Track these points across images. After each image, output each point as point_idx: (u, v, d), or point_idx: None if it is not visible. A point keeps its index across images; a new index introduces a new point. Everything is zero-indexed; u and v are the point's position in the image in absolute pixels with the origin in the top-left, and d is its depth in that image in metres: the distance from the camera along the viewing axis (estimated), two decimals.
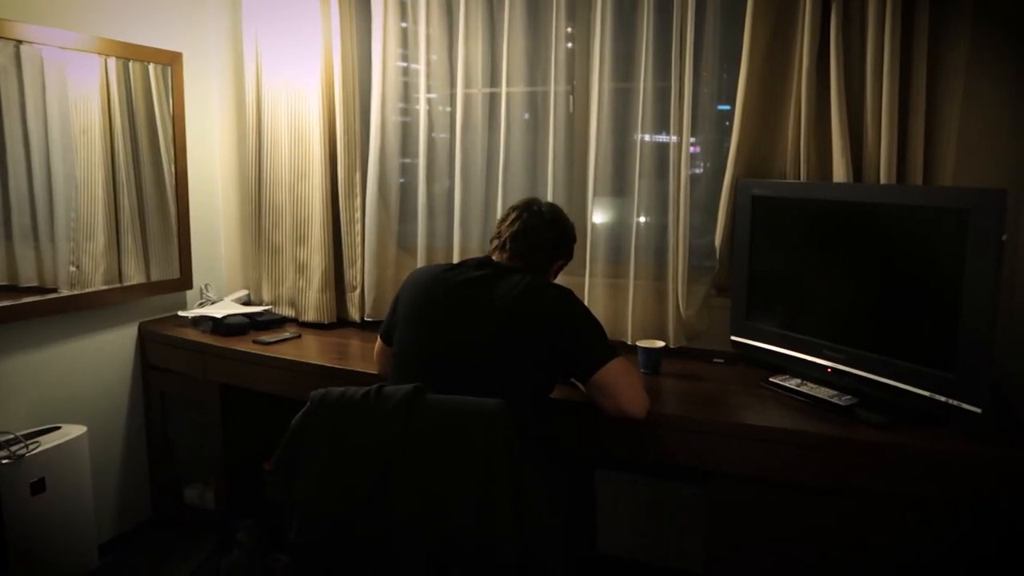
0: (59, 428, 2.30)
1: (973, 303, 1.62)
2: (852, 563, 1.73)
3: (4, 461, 2.04)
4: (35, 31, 2.26)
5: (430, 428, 1.52)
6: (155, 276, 2.76)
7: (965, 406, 1.63)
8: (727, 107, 2.33)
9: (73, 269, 2.55)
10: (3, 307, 2.25)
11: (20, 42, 2.24)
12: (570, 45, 2.45)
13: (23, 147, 2.33)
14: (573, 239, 2.00)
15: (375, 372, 2.17)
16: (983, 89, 1.99)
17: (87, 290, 2.53)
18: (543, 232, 1.90)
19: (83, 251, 2.56)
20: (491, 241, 1.96)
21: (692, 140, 2.29)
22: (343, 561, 1.57)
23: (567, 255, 2.00)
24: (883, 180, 1.96)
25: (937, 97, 1.96)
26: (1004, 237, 1.58)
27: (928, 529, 1.66)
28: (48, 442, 2.19)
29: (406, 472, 1.52)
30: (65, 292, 2.47)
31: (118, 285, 2.62)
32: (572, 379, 1.91)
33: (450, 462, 1.50)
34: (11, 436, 2.13)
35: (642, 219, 2.37)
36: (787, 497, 1.78)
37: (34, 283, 2.41)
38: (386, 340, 2.01)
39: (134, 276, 2.69)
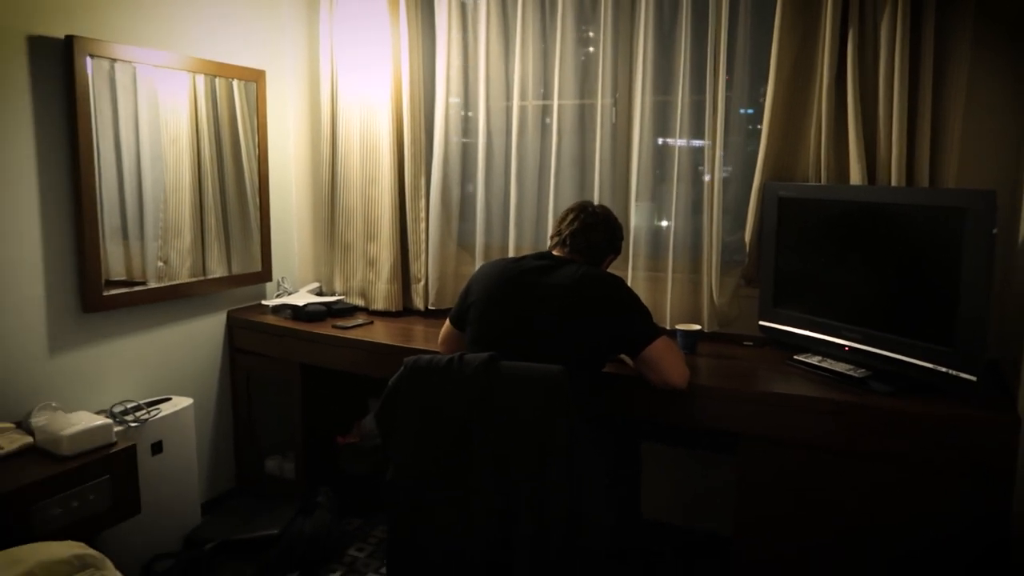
0: (170, 399, 2.64)
1: (969, 286, 1.89)
2: (866, 516, 2.00)
3: (133, 424, 2.38)
4: (132, 51, 2.53)
5: (503, 389, 1.82)
6: (235, 270, 3.07)
7: (963, 375, 1.90)
8: (751, 110, 2.61)
9: (161, 264, 2.85)
10: (119, 294, 2.59)
11: (115, 60, 2.49)
12: (603, 58, 2.74)
13: (115, 155, 2.56)
14: (622, 238, 2.30)
15: (439, 351, 2.47)
16: (984, 98, 2.25)
17: (176, 282, 2.80)
18: (599, 231, 2.20)
19: (171, 248, 2.85)
20: (551, 238, 2.26)
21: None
22: (428, 500, 1.89)
23: (617, 251, 2.30)
24: (894, 182, 2.23)
25: (942, 107, 2.23)
26: (995, 231, 1.85)
27: (936, 487, 1.93)
28: (166, 409, 2.53)
29: (483, 425, 1.83)
30: (153, 284, 2.73)
31: (202, 278, 2.90)
32: (621, 356, 2.21)
33: (519, 416, 1.80)
34: (135, 403, 2.48)
35: (679, 219, 2.65)
36: (809, 458, 2.05)
37: (123, 277, 2.65)
38: (455, 324, 2.31)
39: (216, 270, 2.99)
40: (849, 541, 2.02)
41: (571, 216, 2.24)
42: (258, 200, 3.13)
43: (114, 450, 2.15)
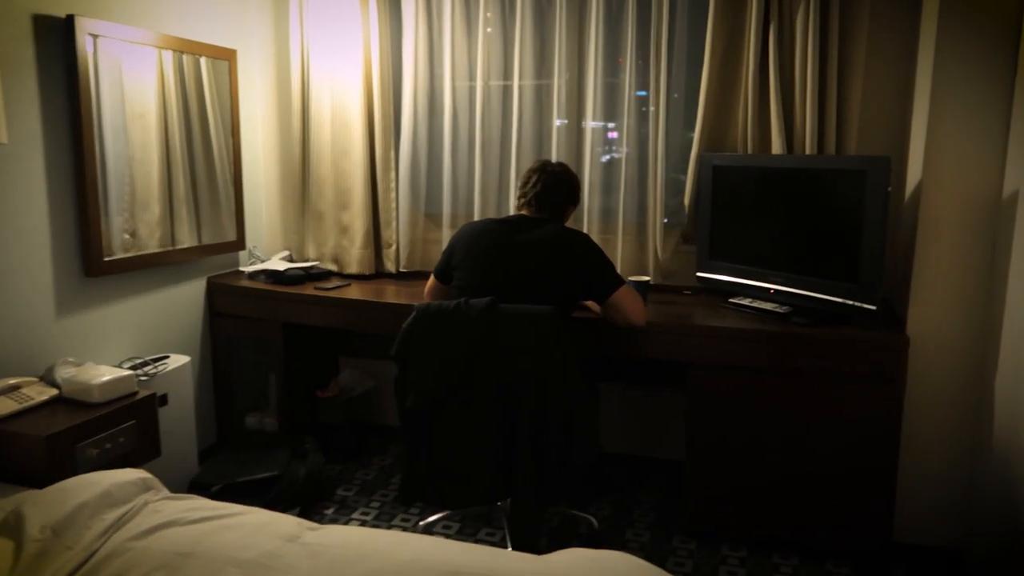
0: (168, 357, 2.83)
1: (869, 234, 2.35)
2: (794, 420, 2.46)
3: (143, 378, 2.57)
4: (120, 29, 2.66)
5: (504, 326, 2.16)
6: (206, 240, 3.20)
7: (865, 306, 2.37)
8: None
9: (127, 236, 2.98)
10: (117, 259, 2.74)
11: (102, 37, 2.58)
12: (559, 42, 3.08)
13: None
14: (579, 188, 2.61)
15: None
16: (879, 79, 2.73)
17: (164, 249, 2.95)
18: (559, 190, 2.52)
19: (139, 220, 2.97)
20: (518, 199, 2.57)
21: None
22: (440, 421, 2.21)
23: (576, 201, 2.62)
24: (808, 151, 2.69)
25: (845, 88, 2.71)
26: (889, 189, 2.32)
27: (846, 393, 2.40)
28: (171, 364, 2.73)
29: (487, 359, 2.16)
30: (119, 255, 2.79)
31: (181, 246, 3.04)
32: (586, 303, 2.58)
33: (517, 348, 2.15)
34: (141, 359, 2.66)
35: (627, 188, 3.03)
36: (746, 378, 2.49)
37: None
38: (440, 278, 2.62)
39: (185, 240, 3.11)
40: (781, 442, 2.48)
41: (534, 178, 2.53)
42: (230, 173, 3.30)
43: (138, 398, 2.35)
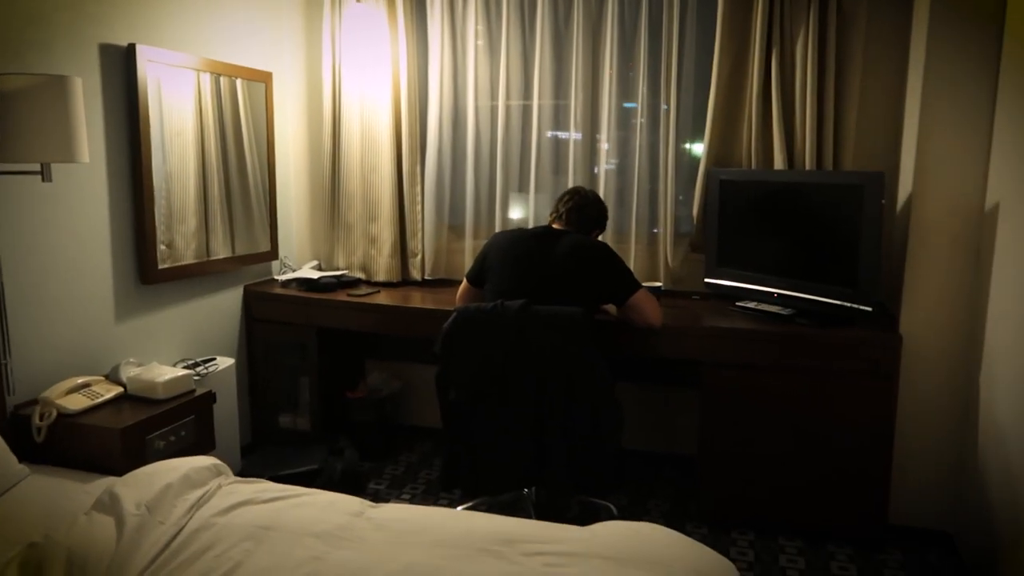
0: (215, 359, 3.03)
1: (866, 242, 2.58)
2: (799, 416, 2.68)
3: (196, 377, 2.77)
4: (169, 55, 2.85)
5: (536, 326, 2.38)
6: (239, 251, 3.40)
7: (862, 308, 2.60)
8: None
9: (163, 247, 3.16)
10: (168, 268, 2.94)
11: (153, 63, 2.76)
12: (576, 67, 3.32)
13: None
14: (607, 216, 2.88)
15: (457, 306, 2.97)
16: (873, 100, 2.97)
17: (208, 259, 3.14)
18: (590, 209, 2.78)
19: (175, 232, 3.15)
20: (551, 215, 2.82)
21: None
22: (479, 413, 2.42)
23: (602, 227, 2.88)
24: (808, 166, 2.93)
25: (842, 108, 2.95)
26: (883, 201, 2.56)
27: (845, 388, 2.62)
28: (220, 365, 2.93)
29: (521, 354, 2.38)
30: (167, 265, 2.98)
31: (223, 256, 3.22)
32: (604, 306, 2.81)
33: (549, 346, 2.37)
34: (193, 361, 2.87)
35: (639, 201, 3.27)
36: (754, 376, 2.71)
37: None
38: (473, 282, 2.84)
39: (220, 251, 3.31)
40: (786, 433, 2.70)
41: (567, 197, 2.81)
42: (264, 188, 3.50)
43: (196, 395, 2.56)
